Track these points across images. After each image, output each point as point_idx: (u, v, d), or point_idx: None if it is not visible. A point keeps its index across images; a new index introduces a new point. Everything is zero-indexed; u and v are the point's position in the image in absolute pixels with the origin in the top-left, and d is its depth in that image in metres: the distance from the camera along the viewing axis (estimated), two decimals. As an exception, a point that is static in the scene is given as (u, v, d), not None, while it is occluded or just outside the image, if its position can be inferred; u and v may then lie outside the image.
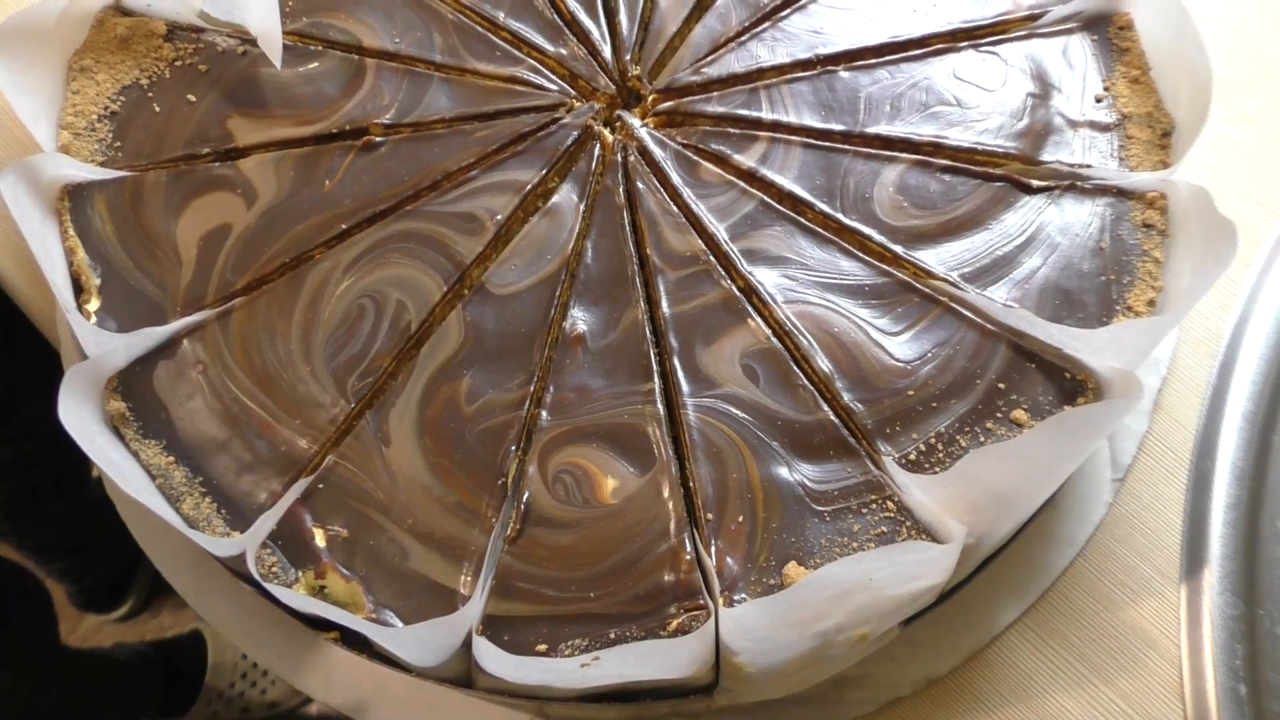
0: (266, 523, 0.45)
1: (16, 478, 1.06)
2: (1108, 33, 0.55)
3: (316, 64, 0.55)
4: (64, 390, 0.44)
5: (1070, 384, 0.47)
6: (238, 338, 0.49)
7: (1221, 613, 0.52)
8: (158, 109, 0.54)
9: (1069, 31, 0.55)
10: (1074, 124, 0.53)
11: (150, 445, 0.47)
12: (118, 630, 1.29)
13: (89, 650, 1.17)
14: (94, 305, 0.50)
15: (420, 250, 0.51)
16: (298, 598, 0.42)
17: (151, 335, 0.48)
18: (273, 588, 0.42)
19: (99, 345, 0.47)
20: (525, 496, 0.46)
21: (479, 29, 0.56)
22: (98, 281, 0.50)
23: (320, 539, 0.45)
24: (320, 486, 0.46)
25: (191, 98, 0.54)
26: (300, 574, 0.45)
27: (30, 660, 0.92)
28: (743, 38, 0.56)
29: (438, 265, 0.51)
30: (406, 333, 0.49)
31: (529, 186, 0.53)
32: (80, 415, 0.45)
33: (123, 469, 0.45)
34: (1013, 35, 0.55)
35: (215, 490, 0.47)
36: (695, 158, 0.54)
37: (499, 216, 0.52)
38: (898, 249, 0.51)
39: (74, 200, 0.52)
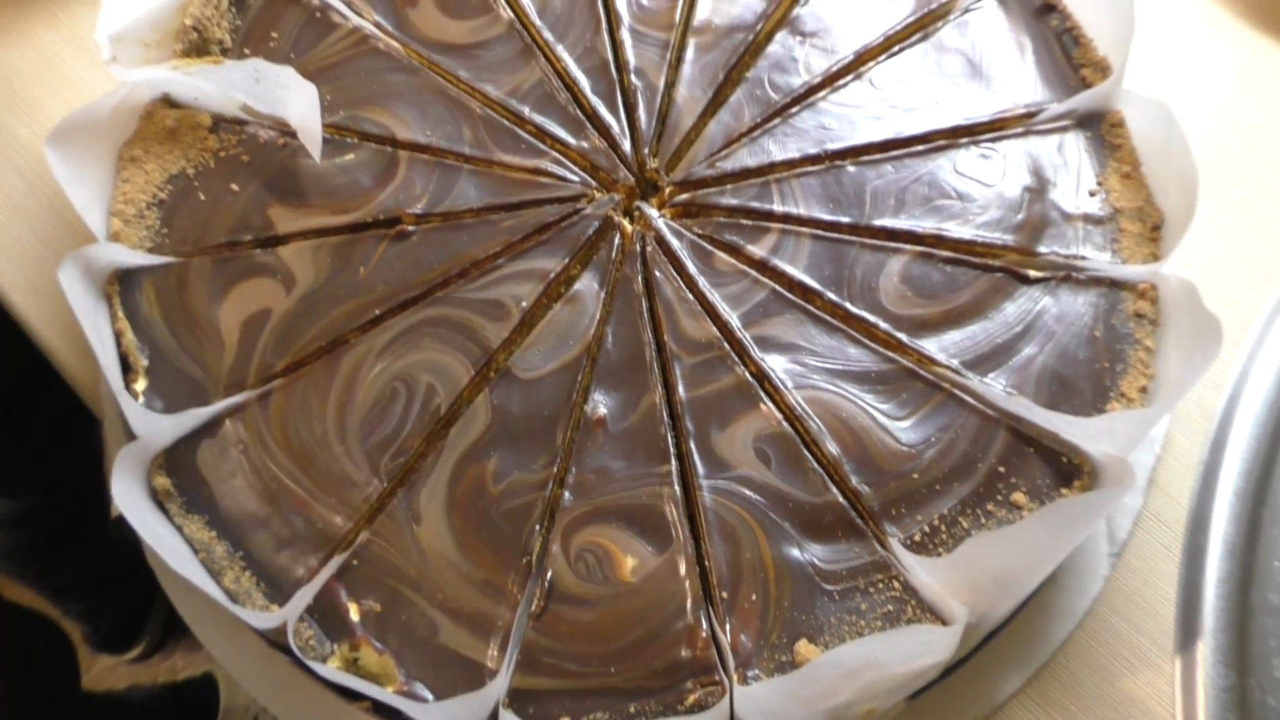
0: (304, 598, 0.47)
1: (41, 523, 1.08)
2: (1100, 130, 0.57)
3: (352, 155, 0.58)
4: (115, 469, 0.47)
5: (1067, 468, 0.50)
6: (277, 418, 0.52)
7: (1215, 684, 0.53)
8: (203, 197, 0.57)
9: (1063, 129, 0.58)
10: (1069, 217, 0.56)
11: (193, 520, 0.50)
12: (131, 671, 1.31)
13: (106, 693, 1.19)
14: (141, 385, 0.53)
15: (450, 335, 0.54)
16: (333, 672, 0.45)
17: (196, 416, 0.51)
18: (310, 662, 0.45)
19: (146, 425, 0.50)
20: (549, 574, 0.48)
21: (506, 123, 0.59)
22: (145, 363, 0.53)
23: (355, 613, 0.48)
24: (355, 563, 0.49)
25: (235, 187, 0.57)
26: (335, 646, 0.47)
27: (53, 704, 0.94)
28: (755, 133, 0.59)
29: (466, 350, 0.53)
30: (436, 414, 0.52)
31: (553, 274, 0.55)
32: (129, 492, 0.48)
33: (168, 544, 0.48)
34: (1010, 132, 0.58)
35: (255, 564, 0.49)
36: (710, 248, 0.56)
37: (524, 303, 0.55)
38: (902, 337, 0.53)
39: (123, 285, 0.54)
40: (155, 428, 0.50)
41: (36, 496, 1.04)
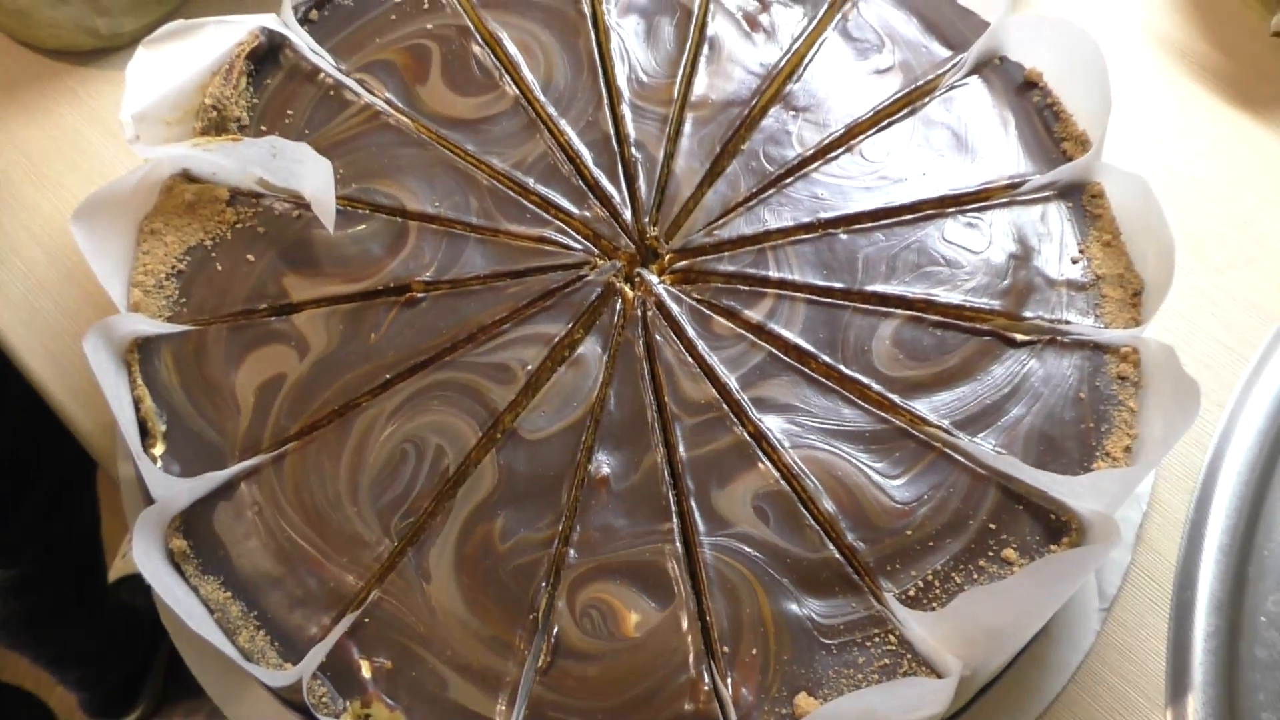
0: (317, 655, 0.49)
1: (38, 591, 1.09)
2: (1081, 201, 0.60)
3: (364, 226, 0.61)
4: (135, 532, 0.49)
5: (1056, 524, 0.51)
6: (291, 480, 0.54)
7: (1206, 738, 0.55)
8: (220, 267, 0.59)
9: (1046, 199, 0.60)
10: (1053, 283, 0.58)
11: (209, 581, 0.51)
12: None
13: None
14: (159, 449, 0.54)
15: (457, 398, 0.56)
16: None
17: (212, 479, 0.53)
18: (324, 719, 0.46)
19: (165, 489, 0.52)
20: (555, 630, 0.50)
21: (511, 194, 0.62)
22: (163, 427, 0.55)
23: (366, 670, 0.49)
24: (366, 621, 0.50)
25: (250, 257, 0.60)
26: (347, 703, 0.48)
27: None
28: (751, 203, 0.61)
29: (473, 412, 0.55)
30: (445, 475, 0.54)
31: (557, 338, 0.57)
32: (148, 554, 0.49)
33: (185, 605, 0.49)
34: (995, 202, 0.61)
35: (269, 624, 0.50)
36: (708, 312, 0.59)
37: (529, 366, 0.56)
38: (895, 398, 0.55)
39: (143, 352, 0.56)
40: (173, 491, 0.52)
41: (33, 565, 1.04)
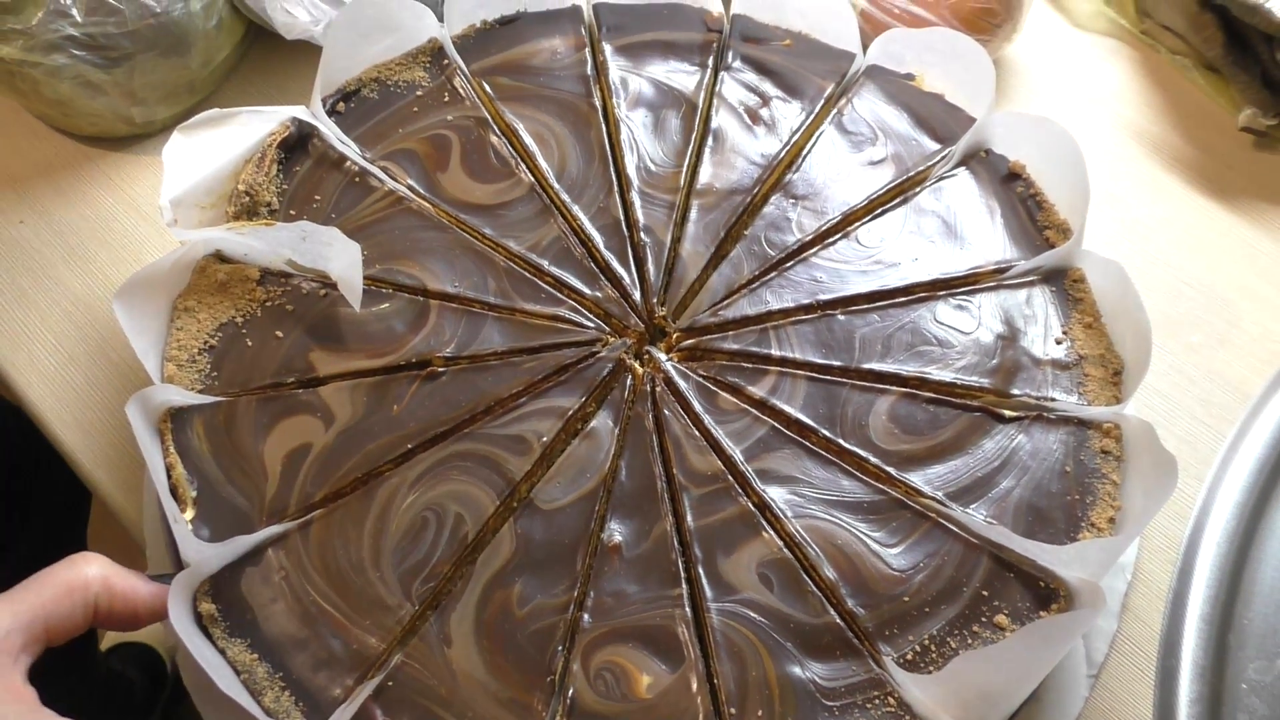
0: (342, 717, 0.51)
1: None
2: (1064, 285, 0.64)
3: (387, 305, 0.64)
4: (171, 596, 0.51)
5: (1045, 591, 0.54)
6: (316, 546, 0.56)
7: (1192, 802, 0.56)
8: (250, 343, 0.62)
9: (1030, 284, 0.64)
10: (1038, 362, 0.61)
11: (236, 643, 0.53)
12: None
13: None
14: (189, 515, 0.57)
15: (476, 468, 0.58)
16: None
17: (241, 543, 0.55)
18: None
19: (196, 553, 0.54)
20: (570, 692, 0.52)
21: (527, 275, 0.65)
22: (194, 494, 0.57)
23: (390, 731, 0.51)
24: (390, 684, 0.52)
25: (279, 333, 0.63)
26: (372, 763, 0.50)
27: None
28: (753, 285, 0.65)
29: (491, 482, 0.58)
30: (464, 541, 0.56)
31: (571, 411, 0.60)
32: (180, 617, 0.51)
33: (215, 666, 0.51)
34: (983, 286, 0.64)
35: (294, 685, 0.52)
36: (714, 388, 0.62)
37: (544, 438, 0.59)
38: (891, 470, 0.58)
39: (175, 422, 0.59)
40: (203, 555, 0.54)
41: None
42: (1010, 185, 0.68)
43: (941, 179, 0.68)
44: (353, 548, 0.56)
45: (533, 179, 0.69)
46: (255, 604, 0.54)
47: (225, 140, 0.66)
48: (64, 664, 1.12)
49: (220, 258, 0.65)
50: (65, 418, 0.69)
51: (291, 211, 0.67)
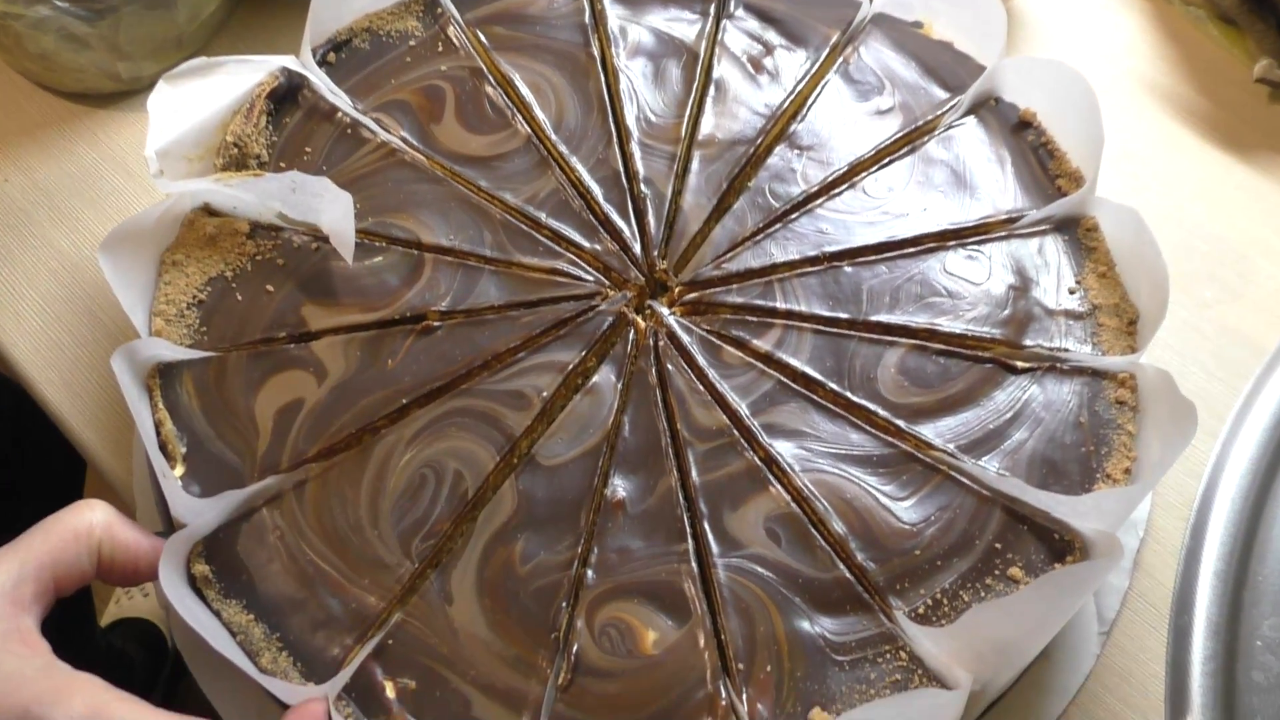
0: (344, 676, 0.49)
1: None
2: (1077, 234, 0.62)
3: (381, 258, 0.62)
4: (163, 558, 0.49)
5: (1059, 544, 0.53)
6: (312, 505, 0.55)
7: (1205, 759, 0.55)
8: (240, 298, 0.61)
9: (1043, 233, 0.62)
10: (1051, 313, 0.60)
11: (231, 605, 0.52)
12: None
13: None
14: (179, 471, 0.55)
15: (474, 424, 0.57)
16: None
17: (233, 498, 0.54)
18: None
19: (189, 512, 0.53)
20: (575, 648, 0.51)
21: (524, 228, 0.64)
22: (183, 450, 0.56)
23: (391, 691, 0.50)
24: (390, 643, 0.51)
25: (270, 288, 0.61)
26: (372, 723, 0.49)
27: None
28: (757, 237, 0.63)
29: (490, 438, 0.56)
30: (464, 498, 0.55)
31: (570, 366, 0.59)
32: (173, 580, 0.50)
33: (209, 628, 0.50)
34: (994, 236, 0.63)
35: (292, 645, 0.51)
36: (718, 342, 0.60)
37: (544, 393, 0.58)
38: (900, 423, 0.57)
39: (164, 378, 0.57)
40: (196, 512, 0.53)
41: None
42: (1021, 134, 0.66)
43: (950, 128, 0.67)
44: (350, 507, 0.55)
45: (529, 130, 0.67)
46: (250, 565, 0.53)
47: (212, 90, 0.64)
48: (61, 639, 1.11)
49: (209, 211, 0.63)
50: (52, 378, 0.67)
51: (281, 164, 0.65)
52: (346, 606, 0.52)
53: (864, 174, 0.65)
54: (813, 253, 0.62)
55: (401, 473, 0.55)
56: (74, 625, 1.14)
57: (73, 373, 0.68)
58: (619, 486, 0.55)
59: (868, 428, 0.57)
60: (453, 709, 0.49)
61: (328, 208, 0.60)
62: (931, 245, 0.62)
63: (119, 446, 0.65)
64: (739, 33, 0.71)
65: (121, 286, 0.57)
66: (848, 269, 0.62)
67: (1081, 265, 0.61)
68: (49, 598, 0.46)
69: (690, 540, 0.54)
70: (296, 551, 0.53)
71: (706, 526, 0.54)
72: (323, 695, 0.49)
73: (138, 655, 1.25)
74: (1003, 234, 0.63)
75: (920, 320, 0.60)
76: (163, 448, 0.56)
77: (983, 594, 0.52)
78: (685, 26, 0.72)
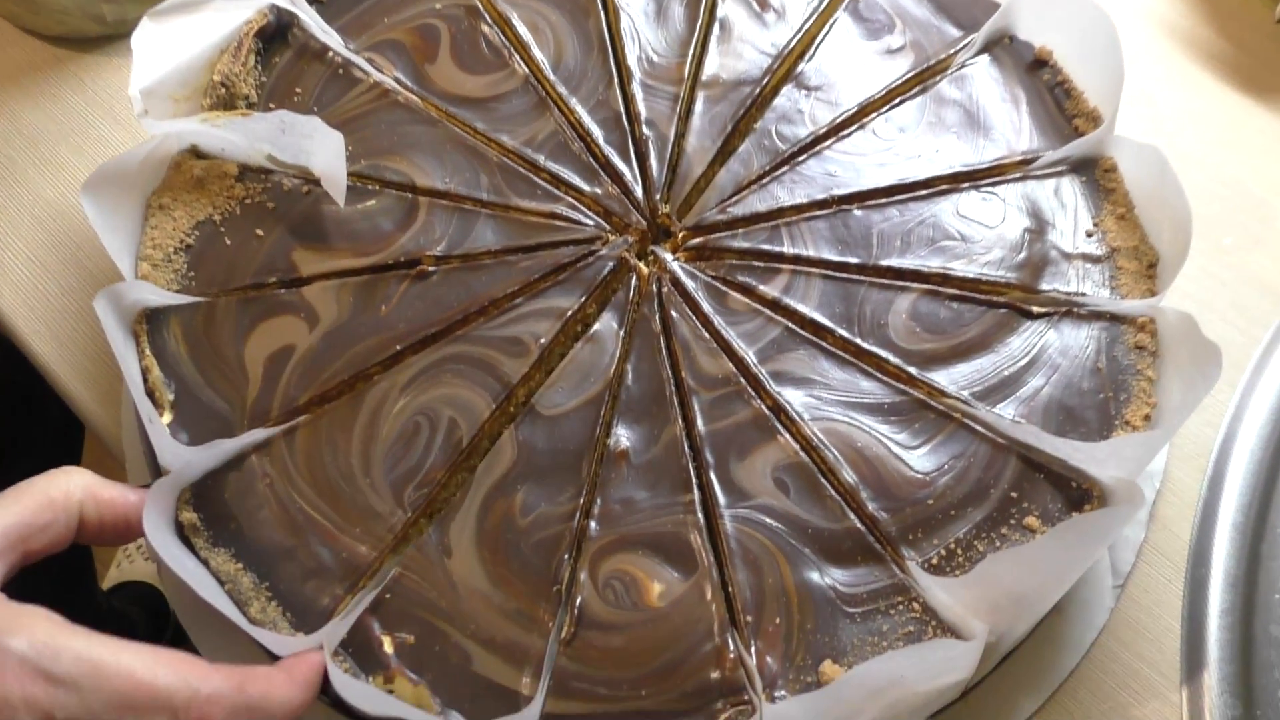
0: (340, 629, 0.48)
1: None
2: (1094, 175, 0.60)
3: (374, 202, 0.60)
4: (148, 504, 0.48)
5: (1077, 493, 0.51)
6: (302, 453, 0.53)
7: (1221, 714, 0.54)
8: (229, 242, 0.59)
9: (1059, 174, 0.60)
10: (1068, 256, 0.58)
11: (219, 553, 0.50)
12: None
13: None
14: (167, 419, 0.53)
15: (470, 371, 0.55)
16: (373, 696, 0.45)
17: (222, 447, 0.52)
18: (350, 681, 0.45)
19: (176, 459, 0.51)
20: (578, 601, 0.49)
21: (521, 170, 0.61)
22: (171, 397, 0.54)
23: (389, 646, 0.48)
24: (388, 597, 0.49)
25: (260, 232, 0.59)
26: (370, 679, 0.47)
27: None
28: (764, 180, 0.61)
29: (486, 385, 0.55)
30: (459, 446, 0.53)
31: (570, 312, 0.57)
32: (157, 527, 0.48)
33: (196, 576, 0.48)
34: (1009, 177, 0.60)
35: (281, 595, 0.50)
36: (724, 288, 0.58)
37: (542, 340, 0.56)
38: (912, 370, 0.55)
39: (151, 324, 0.55)
40: (184, 460, 0.51)
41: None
42: (1036, 73, 0.64)
43: (963, 67, 0.64)
44: (341, 454, 0.53)
45: (527, 70, 0.65)
46: (239, 513, 0.51)
47: (199, 28, 0.62)
48: (62, 602, 1.10)
49: (196, 153, 0.61)
50: (39, 328, 0.66)
51: (271, 105, 0.63)
52: (337, 556, 0.50)
53: (874, 115, 0.63)
54: (821, 196, 0.60)
55: (395, 420, 0.54)
56: (74, 588, 1.13)
57: (59, 322, 0.66)
58: (622, 436, 0.54)
59: (878, 375, 0.55)
60: (453, 663, 0.48)
61: (319, 149, 0.58)
62: (944, 187, 0.60)
63: (108, 397, 0.63)
64: (744, -31, 0.69)
65: (106, 230, 0.55)
66: (857, 212, 0.60)
67: (1099, 207, 0.59)
68: (14, 556, 0.46)
69: (696, 490, 0.52)
70: (286, 499, 0.52)
71: (713, 476, 0.52)
72: (317, 645, 0.47)
73: (139, 618, 1.24)
74: (1018, 175, 0.60)
75: (933, 264, 0.58)
76: (150, 395, 0.54)
77: (998, 544, 0.50)
78: (688, -37, 0.69)
